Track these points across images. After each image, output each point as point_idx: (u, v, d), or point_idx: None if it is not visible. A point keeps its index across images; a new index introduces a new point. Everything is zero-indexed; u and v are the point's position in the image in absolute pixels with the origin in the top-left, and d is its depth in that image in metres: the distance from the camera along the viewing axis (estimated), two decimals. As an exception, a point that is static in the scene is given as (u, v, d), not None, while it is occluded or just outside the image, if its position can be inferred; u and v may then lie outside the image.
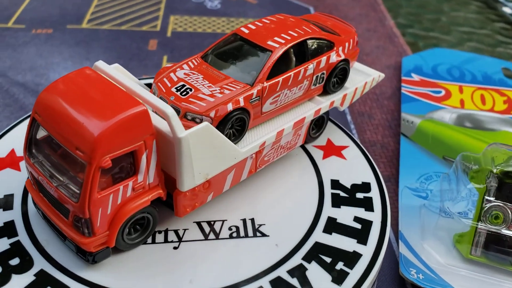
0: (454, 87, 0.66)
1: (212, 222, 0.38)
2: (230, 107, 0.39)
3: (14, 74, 0.67)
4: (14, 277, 0.33)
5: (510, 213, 0.34)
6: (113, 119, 0.31)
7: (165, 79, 0.42)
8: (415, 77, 0.69)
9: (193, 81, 0.41)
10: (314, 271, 0.35)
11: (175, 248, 0.35)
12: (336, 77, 0.48)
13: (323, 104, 0.44)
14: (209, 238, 0.37)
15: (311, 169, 0.44)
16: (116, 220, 0.32)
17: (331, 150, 0.45)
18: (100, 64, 0.39)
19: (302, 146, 0.47)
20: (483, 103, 0.58)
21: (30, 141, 0.36)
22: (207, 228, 0.38)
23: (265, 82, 0.41)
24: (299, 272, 0.35)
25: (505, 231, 0.35)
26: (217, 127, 0.39)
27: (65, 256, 0.35)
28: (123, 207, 0.32)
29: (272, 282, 0.34)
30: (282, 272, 0.35)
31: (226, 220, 0.39)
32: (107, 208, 0.32)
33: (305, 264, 0.35)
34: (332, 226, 0.38)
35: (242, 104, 0.40)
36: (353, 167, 0.43)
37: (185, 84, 0.41)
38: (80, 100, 0.33)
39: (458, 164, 0.42)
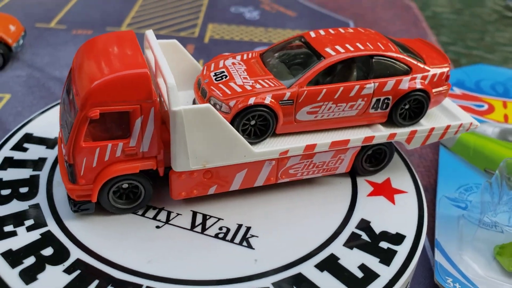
0: (498, 102, 0.63)
1: (208, 217, 0.36)
2: (252, 101, 0.37)
3: (51, 70, 0.68)
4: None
5: None
6: (112, 74, 0.32)
7: (213, 64, 0.42)
8: (457, 91, 0.67)
9: (234, 71, 0.40)
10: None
11: (157, 227, 0.34)
12: (409, 110, 0.41)
13: (379, 133, 0.39)
14: (194, 230, 0.35)
15: (346, 201, 0.38)
16: (101, 176, 0.33)
17: (383, 190, 0.38)
18: (149, 33, 0.41)
19: (353, 177, 0.41)
20: (527, 118, 0.56)
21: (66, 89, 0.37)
22: (199, 220, 0.36)
23: (304, 87, 0.38)
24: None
25: None
26: (233, 119, 0.37)
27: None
28: (111, 166, 0.33)
29: None
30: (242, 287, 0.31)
31: (223, 219, 0.36)
32: (92, 161, 0.32)
33: (270, 288, 0.31)
34: (329, 265, 0.33)
35: (267, 101, 0.37)
36: (397, 215, 0.37)
37: (224, 71, 0.40)
38: (102, 55, 0.34)
39: (501, 171, 0.39)
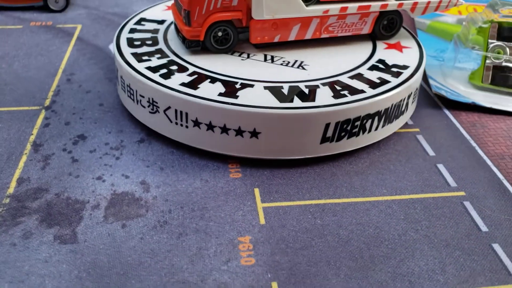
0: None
1: (274, 56, 0.45)
2: None
3: (105, 8, 0.66)
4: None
5: (508, 49, 0.47)
6: None
7: None
8: None
9: None
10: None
11: (242, 59, 0.44)
12: None
13: (392, 2, 0.46)
14: (265, 61, 0.44)
15: (368, 50, 0.46)
16: (207, 21, 0.43)
17: (395, 46, 0.47)
18: None
19: (373, 41, 0.48)
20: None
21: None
22: (268, 58, 0.44)
23: None
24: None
25: (505, 63, 0.48)
26: None
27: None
28: (213, 14, 0.43)
29: (290, 87, 0.40)
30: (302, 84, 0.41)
31: (284, 57, 0.44)
32: (202, 9, 0.43)
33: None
34: (357, 77, 0.42)
35: None
36: (404, 57, 0.45)
37: None
38: None
39: (455, 38, 0.52)
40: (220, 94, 0.39)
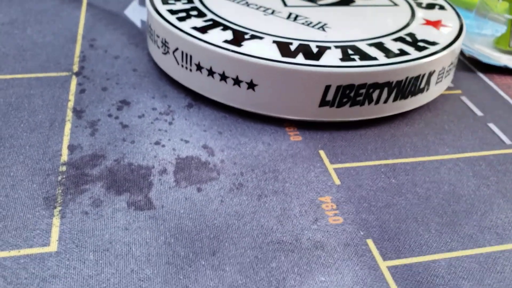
0: None
1: (298, 15, 0.43)
2: None
3: None
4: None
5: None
6: None
7: None
8: None
9: None
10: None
11: (265, 14, 0.42)
12: None
13: None
14: (287, 19, 0.43)
15: (403, 21, 0.43)
16: None
17: (434, 23, 0.43)
18: None
19: (413, 14, 0.45)
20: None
21: None
22: (292, 16, 0.43)
23: None
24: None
25: None
26: None
27: None
28: None
29: (300, 44, 0.38)
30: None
31: (308, 18, 0.43)
32: None
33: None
34: (377, 45, 0.39)
35: None
36: (438, 34, 0.41)
37: None
38: None
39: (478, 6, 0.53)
40: (225, 41, 0.37)
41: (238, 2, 0.44)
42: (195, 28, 0.39)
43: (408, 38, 0.41)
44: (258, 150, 0.36)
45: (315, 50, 0.38)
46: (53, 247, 0.28)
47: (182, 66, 0.39)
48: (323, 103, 0.37)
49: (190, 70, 0.39)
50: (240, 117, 0.39)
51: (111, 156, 0.34)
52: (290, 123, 0.39)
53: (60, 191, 0.31)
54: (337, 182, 0.34)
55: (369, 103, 0.38)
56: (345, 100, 0.37)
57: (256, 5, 0.44)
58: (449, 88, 0.44)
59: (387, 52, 0.38)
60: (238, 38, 0.38)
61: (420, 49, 0.39)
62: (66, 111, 0.38)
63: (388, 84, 0.37)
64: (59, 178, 0.32)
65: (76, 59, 0.44)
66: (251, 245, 0.29)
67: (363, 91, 0.37)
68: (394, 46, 0.39)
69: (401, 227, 0.31)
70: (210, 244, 0.29)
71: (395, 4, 0.46)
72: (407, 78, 0.38)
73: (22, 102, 0.39)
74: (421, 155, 0.37)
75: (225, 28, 0.40)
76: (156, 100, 0.40)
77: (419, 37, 0.41)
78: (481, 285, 0.28)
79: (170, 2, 0.43)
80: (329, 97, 0.37)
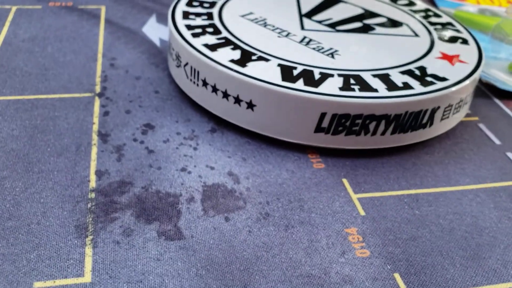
0: None
1: (311, 40, 0.44)
2: None
3: None
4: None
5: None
6: None
7: None
8: None
9: None
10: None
11: (279, 36, 0.43)
12: None
13: None
14: (300, 42, 0.43)
15: (418, 54, 0.42)
16: None
17: (450, 58, 0.42)
18: None
19: (431, 48, 0.44)
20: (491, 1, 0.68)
21: None
22: (306, 40, 0.44)
23: None
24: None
25: None
26: None
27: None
28: None
29: (304, 70, 0.39)
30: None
31: (322, 43, 0.44)
32: None
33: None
34: (381, 77, 0.39)
35: None
36: (451, 69, 0.40)
37: None
38: None
39: (494, 30, 0.54)
40: (231, 61, 0.39)
41: (256, 22, 0.45)
42: (206, 45, 0.40)
43: (417, 72, 0.40)
44: (283, 178, 0.36)
45: (317, 76, 0.38)
46: (87, 278, 0.28)
47: (191, 80, 0.41)
48: (318, 129, 0.38)
49: (197, 85, 0.40)
50: (263, 143, 0.39)
51: (139, 183, 0.35)
52: (312, 150, 0.39)
53: (90, 219, 0.32)
54: (362, 212, 0.34)
55: (365, 134, 0.38)
56: (340, 128, 0.37)
57: (273, 26, 0.45)
58: (467, 115, 0.45)
59: (390, 85, 0.38)
60: (245, 58, 0.39)
61: (426, 84, 0.38)
62: (92, 134, 0.38)
63: (385, 116, 0.37)
64: (89, 205, 0.33)
65: (98, 79, 0.45)
66: (281, 278, 0.29)
67: (359, 121, 0.37)
68: (399, 79, 0.39)
69: (427, 261, 0.31)
70: (241, 276, 0.29)
71: (416, 35, 0.46)
72: (406, 112, 0.38)
73: (48, 125, 0.39)
74: (443, 185, 0.37)
75: (235, 47, 0.41)
76: (180, 124, 0.40)
77: (429, 71, 0.40)
78: (506, 321, 0.28)
79: (190, 17, 0.44)
80: (325, 124, 0.37)
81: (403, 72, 0.40)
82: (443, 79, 0.39)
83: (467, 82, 0.39)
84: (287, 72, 0.38)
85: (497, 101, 0.48)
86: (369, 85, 0.38)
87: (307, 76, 0.38)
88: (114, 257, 0.30)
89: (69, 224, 0.31)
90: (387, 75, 0.39)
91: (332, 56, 0.41)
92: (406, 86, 0.38)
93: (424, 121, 0.39)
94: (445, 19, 0.49)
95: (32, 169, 0.35)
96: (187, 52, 0.40)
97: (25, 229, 0.31)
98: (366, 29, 0.46)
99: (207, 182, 0.35)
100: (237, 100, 0.38)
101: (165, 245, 0.31)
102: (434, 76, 0.40)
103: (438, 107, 0.38)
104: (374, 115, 0.37)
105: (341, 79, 0.38)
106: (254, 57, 0.40)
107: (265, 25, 0.45)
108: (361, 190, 0.36)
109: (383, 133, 0.38)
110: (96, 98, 0.42)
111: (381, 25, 0.47)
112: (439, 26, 0.48)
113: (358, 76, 0.39)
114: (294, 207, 0.34)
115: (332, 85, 0.37)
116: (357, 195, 0.36)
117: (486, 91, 0.49)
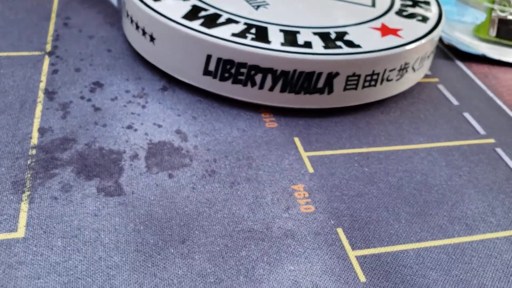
0: None
1: None
2: None
3: None
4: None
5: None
6: None
7: None
8: None
9: None
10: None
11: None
12: None
13: None
14: None
15: None
16: None
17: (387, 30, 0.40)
18: None
19: None
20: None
21: None
22: None
23: None
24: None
25: (510, 17, 0.49)
26: None
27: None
28: None
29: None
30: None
31: None
32: None
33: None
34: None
35: None
36: (374, 39, 0.38)
37: None
38: None
39: None
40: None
41: None
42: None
43: (333, 36, 0.38)
44: (233, 136, 0.36)
45: (221, 21, 0.38)
46: (20, 233, 0.28)
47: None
48: (206, 72, 0.37)
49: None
50: (215, 101, 0.38)
51: (82, 140, 0.34)
52: (266, 109, 0.38)
53: (29, 175, 0.31)
54: (311, 170, 0.34)
55: (252, 86, 0.37)
56: (226, 75, 0.37)
57: None
58: (426, 76, 0.44)
59: (289, 40, 0.36)
60: None
61: (329, 47, 0.36)
62: (38, 92, 0.37)
63: (271, 70, 0.36)
64: (29, 162, 0.32)
65: (50, 38, 0.43)
66: (222, 233, 0.29)
67: (244, 70, 0.36)
68: (305, 38, 0.37)
69: (372, 217, 0.31)
70: (180, 232, 0.28)
71: (373, 5, 0.43)
72: (295, 71, 0.36)
73: (-8, 82, 0.38)
74: (395, 144, 0.37)
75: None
76: (130, 83, 0.39)
77: (347, 37, 0.38)
78: (448, 275, 0.28)
79: None
80: (211, 67, 0.37)
81: (317, 34, 0.38)
82: (356, 46, 0.37)
83: (380, 53, 0.37)
84: (193, 12, 0.38)
85: (459, 63, 0.47)
86: (265, 37, 0.36)
87: (211, 18, 0.37)
88: (50, 213, 0.29)
89: (6, 180, 0.30)
90: (296, 32, 0.37)
91: (257, 8, 0.40)
92: (306, 45, 0.36)
93: (320, 85, 0.36)
94: None
95: (-28, 125, 0.34)
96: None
97: (-42, 184, 0.30)
98: None
99: (153, 139, 0.34)
100: (144, 32, 0.39)
101: (104, 201, 0.30)
102: (348, 42, 0.37)
103: (337, 73, 0.36)
104: (259, 67, 0.36)
105: (244, 27, 0.37)
106: None
107: None
108: (312, 149, 0.35)
109: (271, 89, 0.36)
110: (46, 56, 0.41)
111: None
112: (409, 2, 0.44)
113: (262, 28, 0.37)
114: (242, 164, 0.33)
115: (229, 31, 0.36)
116: (307, 153, 0.35)
117: (449, 53, 0.49)
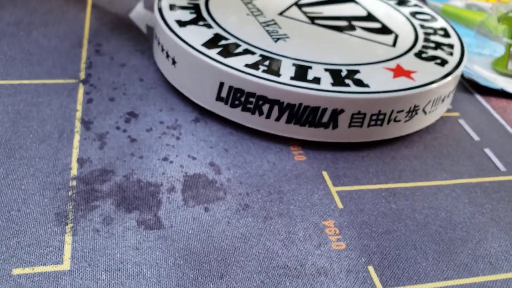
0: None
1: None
2: None
3: None
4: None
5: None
6: None
7: None
8: None
9: None
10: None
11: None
12: None
13: None
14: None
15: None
16: None
17: (400, 71, 0.40)
18: None
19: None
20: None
21: None
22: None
23: None
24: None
25: None
26: None
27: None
28: None
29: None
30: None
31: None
32: None
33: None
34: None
35: None
36: (384, 80, 0.39)
37: None
38: None
39: (480, 26, 0.55)
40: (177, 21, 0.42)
41: (246, 3, 0.46)
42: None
43: (344, 73, 0.38)
44: (263, 169, 0.37)
45: (238, 50, 0.39)
46: (66, 265, 0.29)
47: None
48: (219, 98, 0.39)
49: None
50: (246, 133, 0.40)
51: (120, 171, 0.35)
52: (294, 141, 0.40)
53: (71, 207, 0.32)
54: (340, 205, 0.35)
55: (259, 115, 0.38)
56: (236, 102, 0.38)
57: (255, 6, 0.46)
58: (448, 110, 0.46)
59: (298, 74, 0.37)
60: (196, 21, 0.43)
61: (337, 84, 0.37)
62: (74, 121, 0.39)
63: (278, 102, 0.37)
64: (70, 193, 0.33)
65: (83, 66, 0.45)
66: (257, 269, 0.30)
67: (252, 100, 0.38)
68: (316, 74, 0.38)
69: (401, 254, 0.32)
70: (218, 267, 0.30)
71: (393, 46, 0.43)
72: (301, 104, 0.37)
73: (31, 111, 0.39)
74: (420, 179, 0.38)
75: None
76: (164, 113, 0.40)
77: (358, 76, 0.38)
78: (474, 315, 0.29)
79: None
80: (223, 94, 0.38)
81: (328, 70, 0.39)
82: (365, 85, 0.38)
83: (386, 95, 0.37)
84: (214, 40, 0.40)
85: (479, 97, 0.48)
86: (276, 70, 0.38)
87: (230, 48, 0.39)
88: (93, 245, 0.30)
89: (49, 212, 0.31)
90: (308, 67, 0.39)
91: (276, 41, 0.41)
92: (315, 80, 0.37)
93: (324, 120, 0.38)
94: (439, 23, 0.48)
95: (14, 155, 0.35)
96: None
97: (5, 215, 0.31)
98: (345, 29, 0.45)
99: (188, 172, 0.36)
100: (167, 55, 0.41)
101: (144, 234, 0.31)
102: (356, 81, 0.38)
103: (342, 110, 0.37)
104: (267, 98, 0.37)
105: (258, 58, 0.39)
106: (200, 23, 0.42)
107: (247, 3, 0.46)
108: (340, 183, 0.37)
109: (277, 119, 0.38)
110: (80, 84, 0.42)
111: (367, 29, 0.45)
112: (431, 44, 0.44)
113: (276, 60, 0.39)
114: (273, 199, 0.35)
115: (243, 61, 0.38)
116: (336, 188, 0.36)
117: (469, 87, 0.50)
